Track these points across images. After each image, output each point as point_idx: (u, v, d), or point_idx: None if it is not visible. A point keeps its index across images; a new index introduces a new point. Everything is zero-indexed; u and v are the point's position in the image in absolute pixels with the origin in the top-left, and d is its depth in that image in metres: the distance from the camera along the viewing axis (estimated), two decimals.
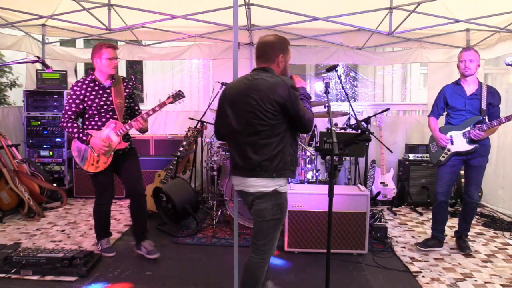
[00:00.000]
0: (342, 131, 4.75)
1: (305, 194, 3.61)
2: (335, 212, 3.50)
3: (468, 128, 3.52)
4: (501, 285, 3.06)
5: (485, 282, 3.10)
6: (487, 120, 3.52)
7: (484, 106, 3.50)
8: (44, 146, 5.48)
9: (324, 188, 3.62)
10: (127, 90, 3.47)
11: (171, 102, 3.46)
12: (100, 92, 3.33)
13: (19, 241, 3.85)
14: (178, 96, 3.46)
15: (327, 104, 2.85)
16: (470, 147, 3.52)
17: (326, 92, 3.08)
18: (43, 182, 4.90)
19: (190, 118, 5.08)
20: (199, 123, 4.82)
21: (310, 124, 2.35)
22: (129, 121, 3.37)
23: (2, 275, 3.05)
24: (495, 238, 4.10)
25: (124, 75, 7.57)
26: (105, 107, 3.32)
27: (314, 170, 4.30)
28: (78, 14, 4.84)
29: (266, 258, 2.45)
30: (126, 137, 3.47)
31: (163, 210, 4.27)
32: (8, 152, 4.81)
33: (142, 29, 5.46)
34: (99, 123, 3.34)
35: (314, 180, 4.26)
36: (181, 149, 4.62)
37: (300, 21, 4.98)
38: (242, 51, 5.80)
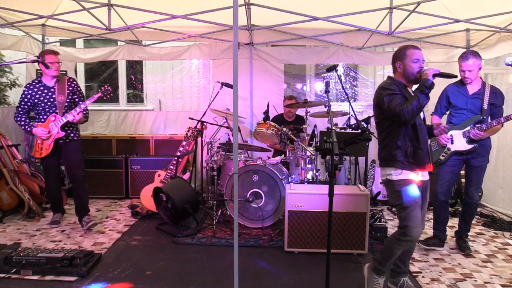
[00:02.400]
0: (342, 131, 4.75)
1: (305, 194, 3.61)
2: (335, 212, 3.50)
3: (468, 128, 3.52)
4: (501, 285, 3.06)
5: (485, 282, 3.10)
6: (489, 120, 3.52)
7: (485, 106, 3.50)
8: None
9: (324, 188, 3.63)
10: (70, 88, 4.13)
11: (100, 96, 4.10)
12: (45, 91, 4.08)
13: (19, 241, 3.85)
14: (106, 91, 4.11)
15: (327, 104, 2.87)
16: (469, 146, 3.52)
17: (326, 92, 3.08)
18: (43, 182, 4.90)
19: (190, 118, 5.08)
20: (199, 123, 4.82)
21: (400, 115, 2.56)
22: (65, 114, 4.01)
23: (2, 275, 3.05)
24: (495, 238, 4.10)
25: (124, 75, 7.57)
26: (49, 103, 4.07)
27: (314, 170, 4.30)
28: (78, 14, 4.83)
29: (402, 239, 2.66)
30: (65, 128, 4.08)
31: (163, 210, 4.27)
32: (8, 152, 4.81)
33: (142, 29, 5.46)
34: (45, 117, 4.07)
35: (314, 180, 4.26)
36: (181, 149, 4.62)
37: (300, 21, 4.97)
38: (242, 51, 5.80)
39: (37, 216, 4.58)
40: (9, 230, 4.21)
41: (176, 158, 4.60)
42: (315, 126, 5.05)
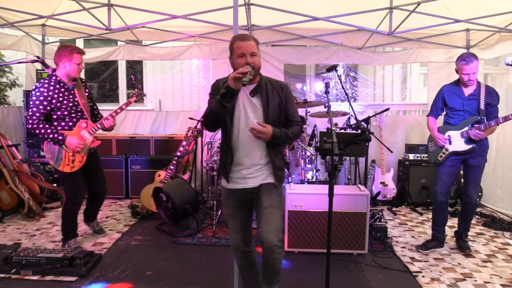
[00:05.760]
0: (342, 131, 4.75)
1: (305, 194, 3.61)
2: (335, 212, 3.50)
3: (466, 128, 3.52)
4: (501, 285, 3.06)
5: (485, 282, 3.10)
6: (485, 120, 3.52)
7: (482, 106, 3.50)
8: None
9: (324, 188, 3.61)
10: (87, 91, 3.65)
11: (136, 101, 3.83)
12: (66, 93, 3.45)
13: (19, 241, 3.85)
14: (140, 94, 3.84)
15: (327, 104, 2.86)
16: (468, 147, 3.53)
17: (326, 92, 3.08)
18: (43, 182, 4.90)
19: (190, 118, 5.08)
20: (199, 123, 4.82)
21: None
22: (101, 120, 3.58)
23: (2, 275, 3.05)
24: (495, 238, 4.10)
25: (124, 75, 7.57)
26: (74, 108, 3.47)
27: (314, 170, 4.30)
28: (78, 14, 4.84)
29: None
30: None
31: (163, 210, 4.27)
32: (8, 152, 4.81)
33: (142, 29, 5.46)
34: (70, 124, 3.47)
35: (314, 180, 4.26)
36: (181, 149, 4.63)
37: (300, 21, 4.97)
38: None
39: (37, 216, 4.58)
40: (9, 230, 4.21)
41: (176, 158, 4.60)
42: (315, 126, 5.05)
